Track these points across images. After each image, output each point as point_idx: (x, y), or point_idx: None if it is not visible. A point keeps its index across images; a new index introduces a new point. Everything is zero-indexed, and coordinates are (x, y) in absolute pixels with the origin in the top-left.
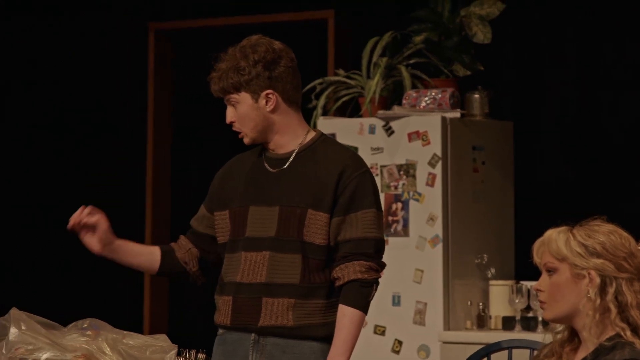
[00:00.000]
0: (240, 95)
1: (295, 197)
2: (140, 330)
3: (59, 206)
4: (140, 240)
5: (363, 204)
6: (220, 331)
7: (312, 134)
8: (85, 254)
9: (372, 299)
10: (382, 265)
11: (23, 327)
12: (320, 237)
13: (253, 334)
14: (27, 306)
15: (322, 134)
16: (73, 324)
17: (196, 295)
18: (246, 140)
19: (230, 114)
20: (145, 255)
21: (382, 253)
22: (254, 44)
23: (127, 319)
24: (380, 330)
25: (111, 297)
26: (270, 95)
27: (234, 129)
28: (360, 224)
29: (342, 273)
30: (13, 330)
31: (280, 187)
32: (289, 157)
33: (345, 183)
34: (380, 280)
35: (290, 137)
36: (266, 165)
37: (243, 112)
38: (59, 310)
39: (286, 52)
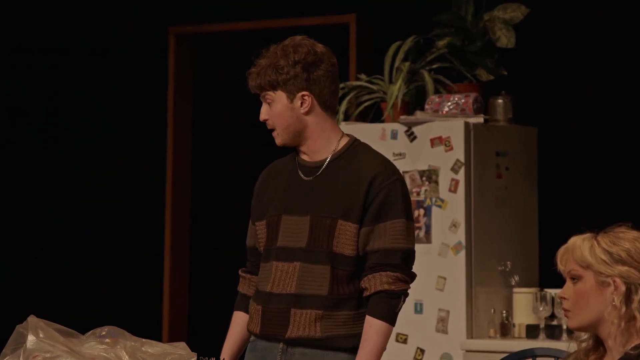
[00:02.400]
0: (276, 93)
1: (326, 207)
2: (159, 338)
3: (79, 214)
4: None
5: (392, 213)
6: (252, 338)
7: (345, 140)
8: (104, 261)
9: (399, 311)
10: (412, 276)
11: (41, 335)
12: (349, 248)
13: (281, 344)
14: (45, 313)
15: (356, 140)
16: (91, 331)
17: (216, 302)
18: (278, 141)
19: (264, 111)
20: (245, 334)
21: (412, 264)
22: (296, 43)
23: (145, 326)
24: (402, 339)
25: (130, 304)
26: (305, 97)
27: (268, 126)
28: (388, 234)
29: (369, 284)
30: (31, 338)
31: (312, 196)
32: (322, 165)
33: (375, 192)
34: (409, 292)
35: (323, 143)
36: (300, 173)
37: (277, 111)
38: (77, 318)
39: (328, 56)
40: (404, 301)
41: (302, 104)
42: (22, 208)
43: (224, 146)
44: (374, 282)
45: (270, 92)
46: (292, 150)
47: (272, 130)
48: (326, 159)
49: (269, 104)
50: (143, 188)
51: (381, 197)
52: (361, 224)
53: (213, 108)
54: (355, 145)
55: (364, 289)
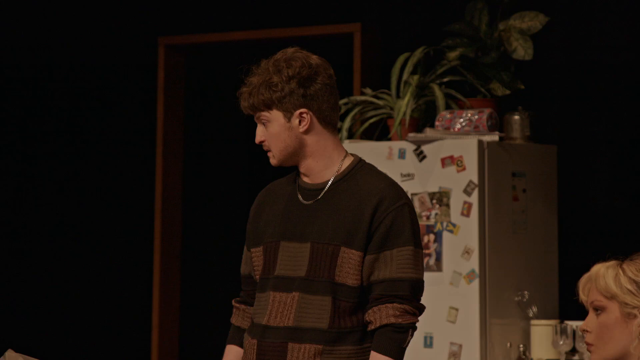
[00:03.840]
0: (272, 113)
1: (328, 233)
2: None
3: (61, 240)
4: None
5: (399, 240)
6: None
7: (349, 160)
8: (88, 291)
9: (407, 346)
10: (420, 309)
11: None
12: (352, 278)
13: None
14: (24, 347)
15: (360, 160)
16: None
17: (208, 334)
18: (273, 162)
19: (260, 133)
20: None
21: (420, 295)
22: (288, 57)
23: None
24: None
25: (116, 338)
26: (304, 115)
27: (264, 148)
28: (395, 262)
29: (374, 317)
30: None
31: (312, 221)
32: (324, 188)
33: (380, 217)
34: (417, 325)
35: (325, 163)
36: (299, 196)
37: (274, 131)
38: (59, 351)
39: (324, 67)
40: (412, 335)
41: (300, 122)
42: None
43: (217, 164)
44: (379, 314)
45: (265, 112)
46: (290, 169)
47: (268, 150)
48: (328, 181)
49: (264, 124)
50: (131, 210)
51: (387, 222)
52: (365, 252)
53: (205, 124)
54: (359, 166)
55: (369, 322)
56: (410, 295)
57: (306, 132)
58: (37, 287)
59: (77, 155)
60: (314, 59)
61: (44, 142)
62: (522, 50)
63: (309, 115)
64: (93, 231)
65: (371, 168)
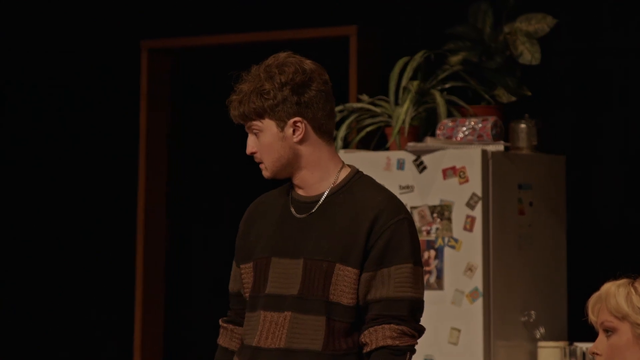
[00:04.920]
0: (264, 122)
1: (323, 249)
2: None
3: (45, 239)
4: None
5: (398, 257)
6: None
7: (345, 172)
8: (70, 309)
9: None
10: (420, 330)
11: None
12: (348, 297)
13: None
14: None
15: (358, 172)
16: None
17: (193, 356)
18: (265, 174)
19: (251, 144)
20: None
21: (420, 315)
22: (281, 63)
23: None
24: None
25: (99, 347)
26: (298, 124)
27: (255, 160)
28: (392, 281)
29: (370, 338)
30: None
31: (306, 236)
32: (318, 201)
33: (378, 232)
34: (416, 347)
35: (320, 175)
36: (292, 210)
37: (266, 141)
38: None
39: (318, 73)
40: (410, 359)
41: (294, 131)
42: None
43: (204, 175)
44: (375, 336)
45: (256, 122)
46: (283, 180)
47: (260, 162)
48: (323, 193)
49: (255, 134)
50: (112, 221)
51: (385, 238)
52: (362, 269)
53: (191, 132)
54: (357, 178)
55: (364, 344)
56: (408, 316)
57: (300, 142)
58: (14, 287)
59: (56, 163)
60: (308, 64)
61: (23, 147)
62: (528, 54)
63: (303, 124)
64: (73, 242)
65: (369, 180)
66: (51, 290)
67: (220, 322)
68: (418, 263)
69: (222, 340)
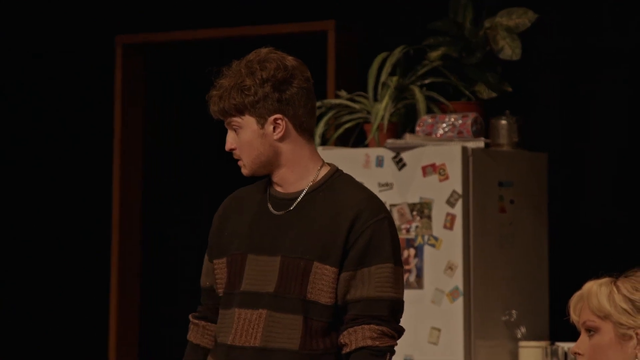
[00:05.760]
0: (244, 119)
1: (300, 247)
2: None
3: (19, 237)
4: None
5: (378, 257)
6: None
7: (325, 170)
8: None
9: None
10: (399, 331)
11: None
12: (326, 296)
13: None
14: None
15: (337, 170)
16: None
17: (167, 352)
18: (244, 171)
19: (230, 140)
20: None
21: (400, 316)
22: (262, 58)
23: None
24: None
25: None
26: (279, 121)
27: (234, 157)
28: (373, 281)
29: (349, 339)
30: None
31: (284, 233)
32: (297, 198)
33: (358, 232)
34: (396, 348)
35: (300, 173)
36: (269, 206)
37: (246, 138)
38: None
39: (300, 70)
40: (390, 359)
41: (274, 129)
42: None
43: (179, 172)
44: (354, 336)
45: (236, 118)
46: (261, 177)
47: (238, 159)
48: (302, 191)
49: (235, 130)
50: (86, 218)
51: (365, 237)
52: (341, 268)
53: (167, 128)
54: (337, 176)
55: (343, 345)
56: (388, 316)
57: (281, 139)
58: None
59: (28, 160)
60: (290, 60)
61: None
62: (509, 49)
63: (284, 122)
64: (48, 239)
65: (349, 179)
66: (50, 290)
67: (190, 317)
68: (398, 263)
69: (193, 337)
